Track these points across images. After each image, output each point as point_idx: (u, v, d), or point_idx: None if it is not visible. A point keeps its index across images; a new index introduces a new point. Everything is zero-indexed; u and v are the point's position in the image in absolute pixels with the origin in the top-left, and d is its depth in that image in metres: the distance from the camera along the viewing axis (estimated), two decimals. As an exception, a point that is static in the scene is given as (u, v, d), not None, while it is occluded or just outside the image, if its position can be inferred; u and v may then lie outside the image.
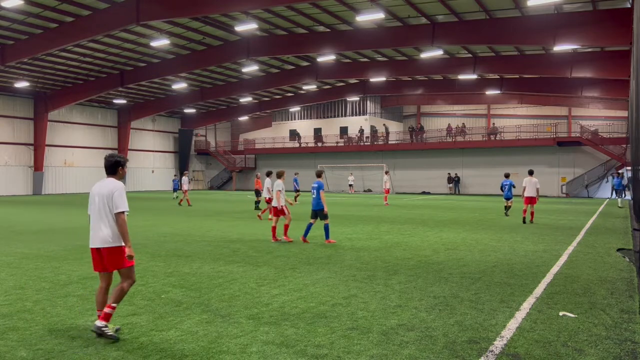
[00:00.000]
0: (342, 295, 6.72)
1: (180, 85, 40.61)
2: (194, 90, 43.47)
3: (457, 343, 4.84)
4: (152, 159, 52.24)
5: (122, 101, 45.36)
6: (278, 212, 12.20)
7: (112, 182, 5.15)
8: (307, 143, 51.31)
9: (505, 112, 47.12)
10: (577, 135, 39.71)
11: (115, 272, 5.21)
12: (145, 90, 42.96)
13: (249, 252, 10.43)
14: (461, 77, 37.15)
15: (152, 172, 52.10)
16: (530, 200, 16.50)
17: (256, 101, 49.88)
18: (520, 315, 5.79)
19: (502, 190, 18.99)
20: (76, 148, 44.74)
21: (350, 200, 31.74)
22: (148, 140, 51.85)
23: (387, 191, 27.58)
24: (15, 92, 39.37)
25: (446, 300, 6.47)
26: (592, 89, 34.93)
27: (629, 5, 20.61)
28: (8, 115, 39.75)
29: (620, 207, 25.63)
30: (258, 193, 23.84)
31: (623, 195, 27.47)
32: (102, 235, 5.02)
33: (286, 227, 12.24)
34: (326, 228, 11.88)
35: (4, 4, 21.89)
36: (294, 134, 52.80)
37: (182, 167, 53.96)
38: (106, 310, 4.97)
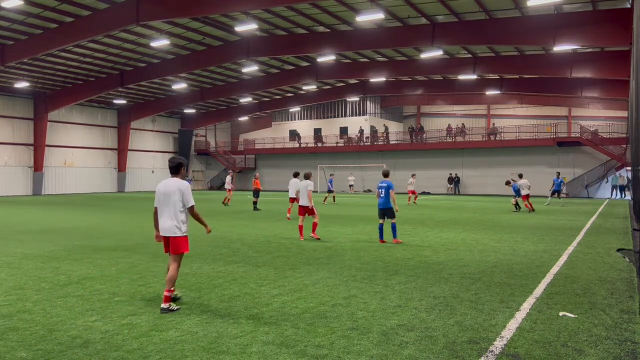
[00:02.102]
0: (342, 295, 6.73)
1: (180, 86, 40.62)
2: (193, 90, 43.47)
3: (457, 343, 4.84)
4: (152, 159, 52.22)
5: (122, 101, 45.36)
6: (309, 211, 12.39)
7: (178, 181, 6.12)
8: (307, 143, 51.31)
9: (505, 112, 47.12)
10: (577, 135, 39.71)
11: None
12: (145, 90, 42.96)
13: (248, 253, 10.43)
14: (461, 77, 37.16)
15: (152, 172, 52.10)
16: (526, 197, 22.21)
17: (256, 101, 49.88)
18: (520, 315, 5.79)
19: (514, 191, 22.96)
20: (76, 148, 44.73)
21: (351, 201, 31.74)
22: (148, 140, 51.84)
23: (412, 192, 28.14)
24: (15, 92, 39.36)
25: (446, 300, 6.47)
26: (592, 89, 34.93)
27: (629, 6, 20.62)
28: (8, 116, 39.74)
29: (554, 206, 25.76)
30: (256, 193, 23.83)
31: (558, 195, 27.56)
32: (166, 226, 6.07)
33: (315, 225, 12.55)
34: (394, 227, 11.92)
35: (4, 4, 21.88)
36: (294, 134, 52.81)
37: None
38: (166, 293, 5.96)
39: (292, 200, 17.59)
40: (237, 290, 7.04)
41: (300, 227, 12.54)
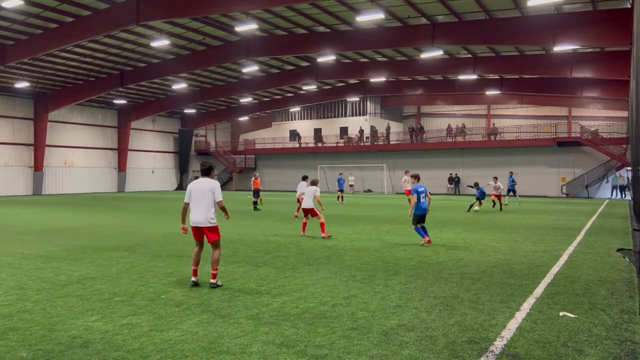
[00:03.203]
0: (342, 295, 6.72)
1: (180, 86, 40.62)
2: (194, 90, 43.47)
3: (457, 343, 4.83)
4: (152, 159, 52.23)
5: (122, 101, 45.37)
6: (311, 212, 13.15)
7: (210, 180, 7.32)
8: (307, 143, 51.31)
9: (505, 113, 47.12)
10: (577, 135, 39.71)
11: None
12: (145, 90, 42.97)
13: (249, 253, 10.43)
14: (461, 77, 37.16)
15: (152, 172, 52.11)
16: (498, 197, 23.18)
17: (256, 101, 49.88)
18: (520, 315, 5.79)
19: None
20: (76, 148, 44.75)
21: (351, 201, 31.74)
22: (148, 140, 51.85)
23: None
24: (15, 92, 39.37)
25: (446, 300, 6.47)
26: (592, 89, 34.94)
27: (629, 6, 20.62)
28: (8, 116, 39.75)
29: (506, 203, 25.28)
30: (256, 193, 23.83)
31: (513, 194, 27.15)
32: (202, 218, 7.17)
33: (323, 225, 13.03)
34: (425, 229, 11.88)
35: (4, 4, 21.89)
36: (294, 134, 52.80)
37: (182, 167, 53.98)
38: (213, 272, 7.21)
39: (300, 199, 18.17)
40: (237, 290, 7.04)
41: (304, 224, 13.38)
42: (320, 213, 13.16)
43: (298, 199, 18.38)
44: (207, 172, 7.45)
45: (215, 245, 7.34)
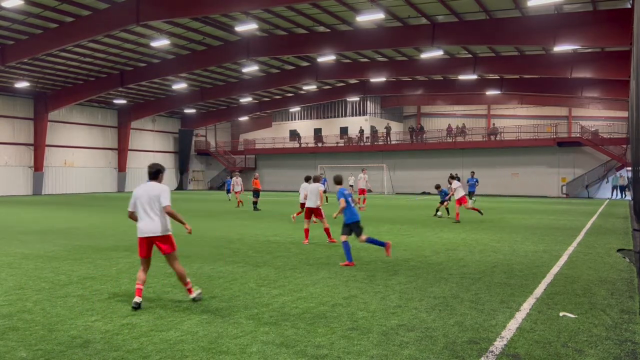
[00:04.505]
0: (342, 295, 6.72)
1: (180, 86, 40.62)
2: (194, 90, 43.47)
3: (457, 343, 4.83)
4: (152, 159, 52.05)
5: (122, 101, 45.37)
6: (315, 212, 12.17)
7: (158, 185, 6.48)
8: (307, 143, 51.30)
9: (505, 113, 47.11)
10: (578, 135, 39.71)
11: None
12: (145, 90, 42.97)
13: (249, 253, 10.43)
14: (461, 77, 37.16)
15: (152, 172, 52.07)
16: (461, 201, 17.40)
17: (256, 101, 49.88)
18: (520, 315, 5.79)
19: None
20: (76, 148, 44.75)
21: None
22: (148, 140, 51.86)
23: (363, 191, 25.57)
24: (15, 92, 39.37)
25: (446, 300, 6.47)
26: (592, 90, 34.94)
27: (629, 6, 20.61)
28: (8, 116, 39.75)
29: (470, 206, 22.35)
30: (256, 193, 23.82)
31: (470, 196, 24.19)
32: (153, 226, 6.27)
33: (327, 230, 12.03)
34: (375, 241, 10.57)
35: (4, 4, 21.89)
36: (294, 134, 52.80)
37: (182, 167, 53.97)
38: (187, 287, 6.43)
39: (302, 205, 16.32)
40: (237, 290, 7.03)
41: (306, 231, 12.13)
42: (324, 215, 12.29)
43: (302, 204, 16.48)
44: (154, 175, 6.57)
45: (172, 257, 6.40)
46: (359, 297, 6.63)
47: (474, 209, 18.87)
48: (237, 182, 26.28)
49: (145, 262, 6.42)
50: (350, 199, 9.37)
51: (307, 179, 15.38)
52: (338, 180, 9.99)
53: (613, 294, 6.86)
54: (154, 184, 6.51)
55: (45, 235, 13.53)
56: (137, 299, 6.09)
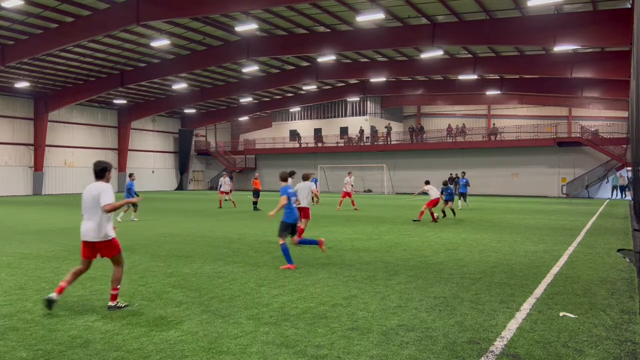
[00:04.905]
0: (342, 295, 6.72)
1: (180, 86, 40.63)
2: (194, 90, 43.49)
3: (457, 343, 4.83)
4: (152, 159, 52.26)
5: (122, 101, 45.39)
6: (304, 212, 11.65)
7: (100, 184, 6.04)
8: (307, 143, 51.31)
9: (505, 113, 47.12)
10: (578, 135, 39.72)
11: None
12: (145, 90, 42.98)
13: (249, 253, 10.42)
14: (461, 77, 37.16)
15: (152, 172, 52.12)
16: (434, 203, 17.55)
17: (256, 101, 49.89)
18: (520, 315, 5.78)
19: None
20: (76, 148, 44.78)
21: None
22: (148, 140, 51.87)
23: (347, 194, 23.98)
24: (15, 92, 39.38)
25: (446, 300, 6.47)
26: (592, 90, 34.94)
27: (629, 6, 20.62)
28: (8, 116, 39.77)
29: (460, 208, 22.82)
30: (256, 193, 23.81)
31: (464, 198, 23.92)
32: (91, 231, 6.02)
33: (301, 230, 11.46)
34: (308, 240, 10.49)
35: (4, 4, 21.90)
36: (294, 134, 52.81)
37: (182, 167, 53.98)
38: (112, 292, 6.02)
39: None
40: (237, 290, 7.03)
41: (300, 230, 11.71)
42: (309, 217, 11.82)
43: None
44: (100, 174, 6.07)
45: (116, 260, 6.10)
46: (359, 297, 6.63)
47: (451, 210, 19.21)
48: (224, 181, 25.05)
49: (85, 262, 6.15)
50: (294, 197, 9.21)
51: (306, 177, 13.08)
52: (284, 177, 9.45)
53: (613, 294, 6.85)
54: (97, 183, 6.04)
55: (45, 235, 13.53)
56: (54, 295, 5.79)
